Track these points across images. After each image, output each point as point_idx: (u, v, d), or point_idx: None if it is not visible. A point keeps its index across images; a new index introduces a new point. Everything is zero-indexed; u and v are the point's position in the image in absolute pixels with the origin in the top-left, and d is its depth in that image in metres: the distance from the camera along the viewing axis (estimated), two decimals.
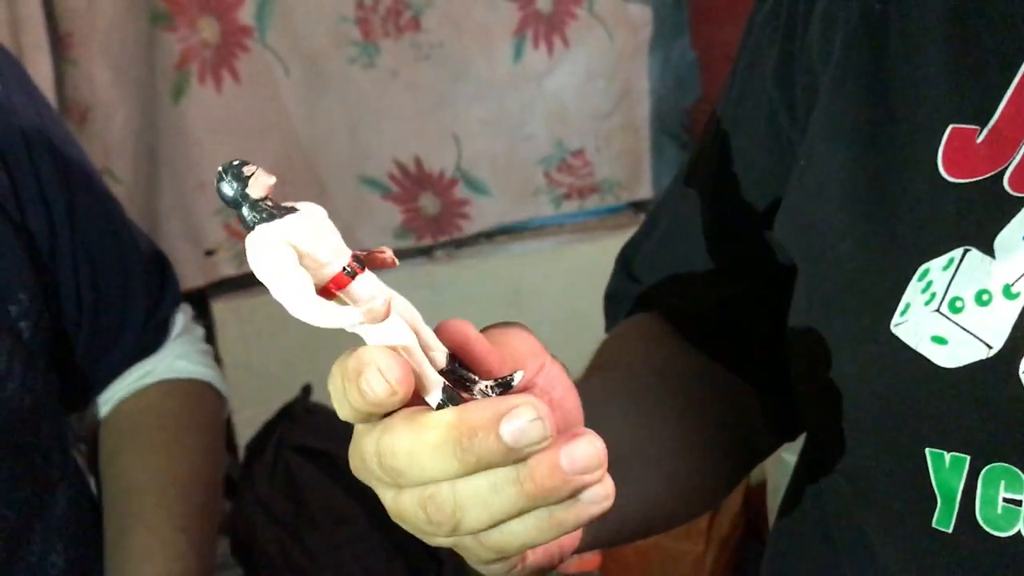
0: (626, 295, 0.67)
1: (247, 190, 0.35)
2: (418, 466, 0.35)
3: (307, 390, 1.45)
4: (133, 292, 0.74)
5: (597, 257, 1.65)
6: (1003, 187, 0.46)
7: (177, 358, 0.77)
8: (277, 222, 0.35)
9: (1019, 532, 0.45)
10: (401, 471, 0.36)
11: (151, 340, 0.76)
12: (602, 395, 0.53)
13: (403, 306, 0.39)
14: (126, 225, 0.76)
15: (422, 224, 1.72)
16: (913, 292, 0.48)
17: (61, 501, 0.68)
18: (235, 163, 0.35)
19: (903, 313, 0.48)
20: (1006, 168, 0.47)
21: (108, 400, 0.75)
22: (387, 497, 0.37)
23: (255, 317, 1.64)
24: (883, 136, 0.51)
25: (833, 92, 0.52)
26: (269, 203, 0.35)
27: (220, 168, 0.35)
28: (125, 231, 0.75)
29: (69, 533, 0.68)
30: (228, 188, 0.35)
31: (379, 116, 1.65)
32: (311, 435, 1.34)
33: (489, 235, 1.76)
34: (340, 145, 1.65)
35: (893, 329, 0.48)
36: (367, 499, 1.22)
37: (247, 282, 1.62)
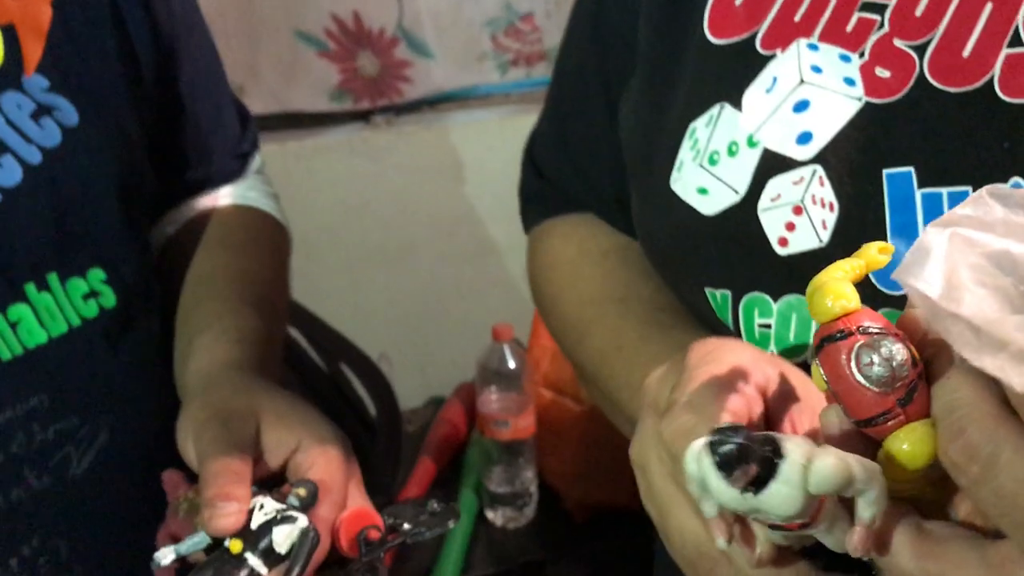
0: (539, 195, 0.72)
1: None
2: None
3: None
4: (225, 119, 0.79)
5: None
6: (755, 46, 0.52)
7: (249, 189, 0.81)
8: None
9: (772, 353, 0.50)
10: None
11: (234, 167, 0.81)
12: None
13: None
14: (219, 60, 0.79)
15: (360, 85, 1.64)
16: (685, 149, 0.54)
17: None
18: None
19: (679, 170, 0.54)
20: (759, 29, 0.52)
21: (178, 220, 0.78)
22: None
23: None
24: (675, 9, 0.56)
25: None
26: None
27: None
28: (219, 65, 0.79)
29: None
30: None
31: None
32: None
33: (431, 102, 1.70)
34: None
35: (672, 185, 0.54)
36: (298, 362, 1.20)
37: None
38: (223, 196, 0.79)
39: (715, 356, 0.44)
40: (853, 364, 0.35)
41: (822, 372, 0.36)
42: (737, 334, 0.52)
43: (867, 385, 0.34)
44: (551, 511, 1.32)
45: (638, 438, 0.45)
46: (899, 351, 0.34)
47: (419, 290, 1.75)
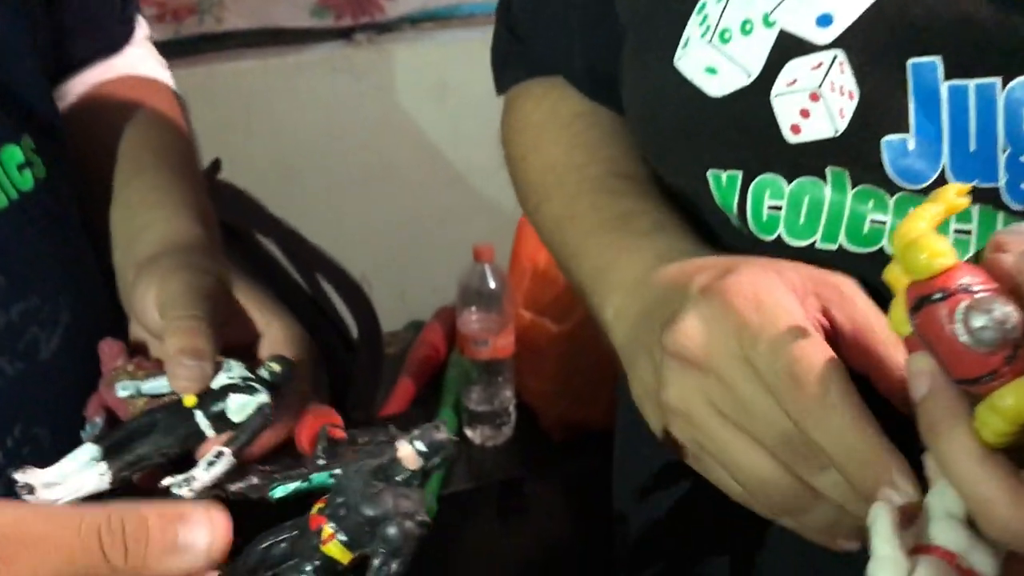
0: (513, 56, 0.69)
1: None
2: None
3: (216, 164, 1.38)
4: None
5: None
6: None
7: (138, 60, 0.76)
8: None
9: (779, 236, 0.49)
10: None
11: (120, 35, 0.75)
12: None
13: None
14: None
15: (341, 1, 1.62)
16: (693, 25, 0.51)
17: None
18: None
19: (684, 47, 0.51)
20: None
21: (68, 94, 0.73)
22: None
23: None
24: None
25: None
26: None
27: None
28: None
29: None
30: None
31: None
32: (220, 210, 1.29)
33: (414, 21, 1.67)
34: None
35: (676, 63, 0.51)
36: (278, 277, 1.20)
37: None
38: (118, 67, 0.74)
39: (757, 293, 0.41)
40: (959, 326, 0.33)
41: (918, 331, 0.35)
42: (741, 217, 0.51)
43: (974, 347, 0.33)
44: (529, 430, 1.34)
45: (675, 387, 0.43)
46: (1012, 314, 0.33)
47: (400, 213, 1.74)
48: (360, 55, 1.63)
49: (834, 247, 0.48)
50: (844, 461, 0.37)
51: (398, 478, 0.41)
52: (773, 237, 0.50)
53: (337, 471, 0.45)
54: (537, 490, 1.32)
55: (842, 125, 0.46)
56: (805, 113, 0.47)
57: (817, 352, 0.39)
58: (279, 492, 0.47)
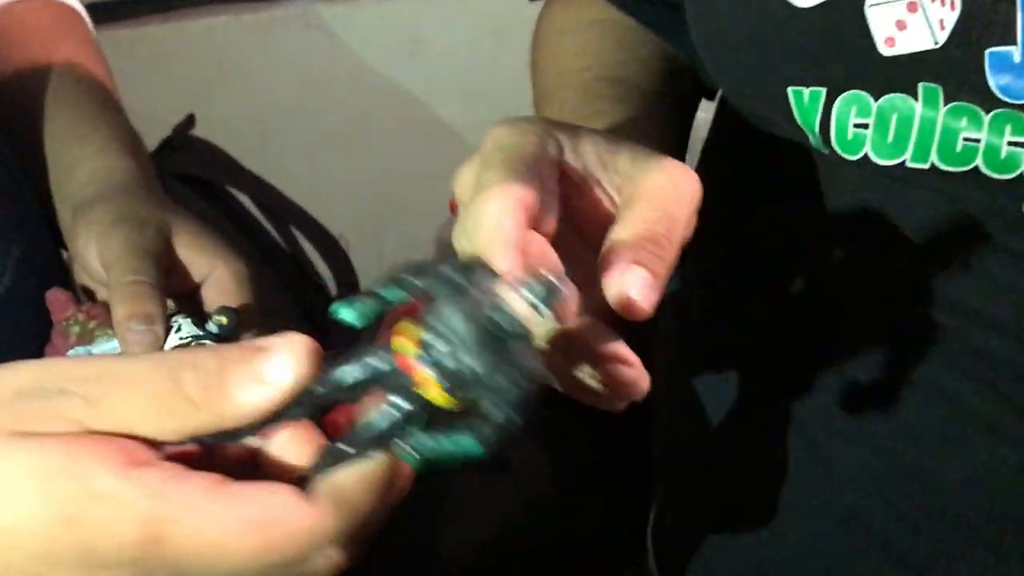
0: None
1: None
2: None
3: (190, 119, 1.38)
4: None
5: (505, 6, 1.58)
6: None
7: None
8: None
9: (866, 155, 0.48)
10: None
11: None
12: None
13: None
14: None
15: None
16: None
17: None
18: None
19: None
20: None
21: None
22: None
23: (134, 49, 1.53)
24: None
25: None
26: None
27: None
28: None
29: None
30: None
31: None
32: (195, 164, 1.29)
33: None
34: None
35: None
36: (256, 233, 1.20)
37: (125, 10, 1.50)
38: None
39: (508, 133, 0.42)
40: None
41: None
42: (824, 135, 0.50)
43: None
44: None
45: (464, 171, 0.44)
46: None
47: (376, 169, 1.74)
48: (333, 11, 1.62)
49: (926, 166, 0.47)
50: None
51: (503, 327, 0.34)
52: (859, 156, 0.49)
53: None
54: (519, 446, 1.33)
55: (942, 37, 0.44)
56: (901, 25, 0.45)
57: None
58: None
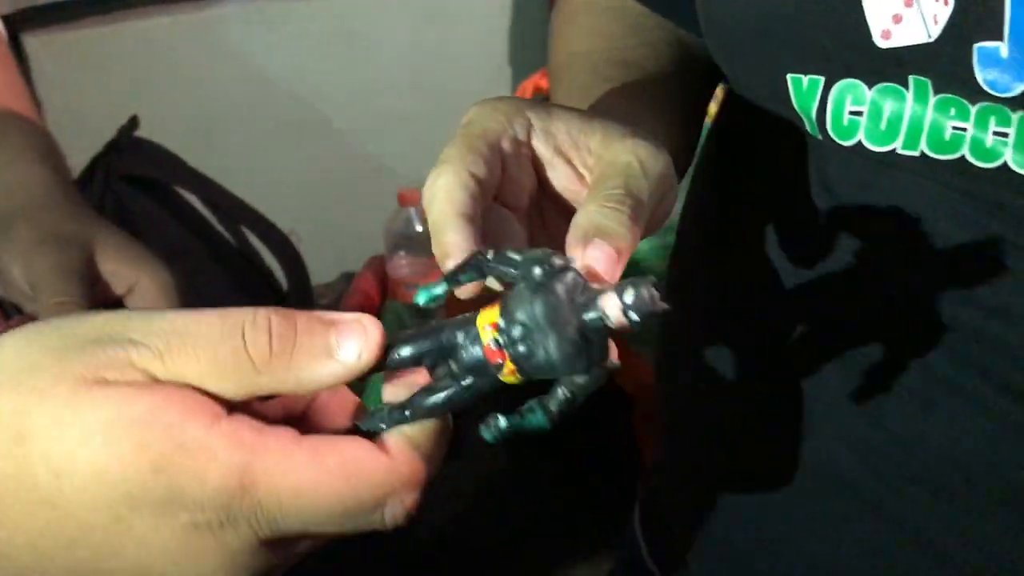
0: None
1: None
2: None
3: (133, 120, 1.38)
4: None
5: None
6: None
7: None
8: None
9: (860, 141, 0.50)
10: None
11: None
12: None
13: None
14: None
15: None
16: None
17: None
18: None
19: None
20: None
21: None
22: None
23: (73, 52, 1.53)
24: None
25: None
26: None
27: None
28: None
29: None
30: None
31: None
32: (140, 165, 1.29)
33: None
34: None
35: None
36: (205, 232, 1.20)
37: (63, 14, 1.50)
38: None
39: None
40: None
41: None
42: (820, 121, 0.51)
43: None
44: None
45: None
46: None
47: (323, 164, 1.74)
48: (273, 7, 1.62)
49: (916, 153, 0.49)
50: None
51: (587, 323, 0.34)
52: (853, 142, 0.50)
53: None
54: (471, 428, 1.35)
55: (936, 31, 0.46)
56: (897, 19, 0.47)
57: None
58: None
